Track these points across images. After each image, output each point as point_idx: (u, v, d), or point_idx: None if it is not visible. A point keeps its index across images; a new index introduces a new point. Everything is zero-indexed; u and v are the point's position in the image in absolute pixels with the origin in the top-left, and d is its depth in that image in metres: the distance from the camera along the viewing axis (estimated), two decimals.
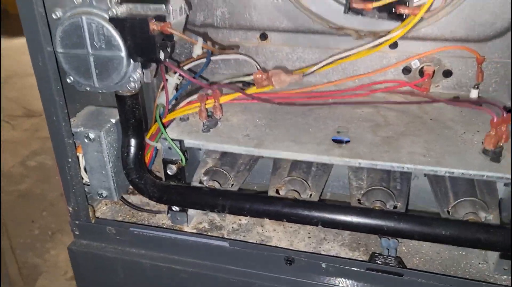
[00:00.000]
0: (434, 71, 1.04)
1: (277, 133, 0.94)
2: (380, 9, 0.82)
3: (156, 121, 1.03)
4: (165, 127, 0.96)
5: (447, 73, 1.07)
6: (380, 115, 1.00)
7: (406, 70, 1.08)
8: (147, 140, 0.98)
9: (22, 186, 3.25)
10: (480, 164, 0.82)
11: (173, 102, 1.05)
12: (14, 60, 5.18)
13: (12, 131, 3.96)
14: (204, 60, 1.04)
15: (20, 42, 5.33)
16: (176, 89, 1.05)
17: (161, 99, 1.04)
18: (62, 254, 2.67)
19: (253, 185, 1.16)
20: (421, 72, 1.07)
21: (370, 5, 0.80)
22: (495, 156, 0.82)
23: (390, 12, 0.82)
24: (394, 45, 1.06)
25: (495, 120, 0.82)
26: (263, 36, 1.14)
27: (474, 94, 1.02)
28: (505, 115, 0.83)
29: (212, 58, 1.04)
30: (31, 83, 4.76)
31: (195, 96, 1.02)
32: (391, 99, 1.05)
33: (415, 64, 1.06)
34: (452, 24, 0.97)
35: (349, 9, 0.83)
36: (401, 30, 0.86)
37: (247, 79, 1.05)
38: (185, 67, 1.03)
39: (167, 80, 1.01)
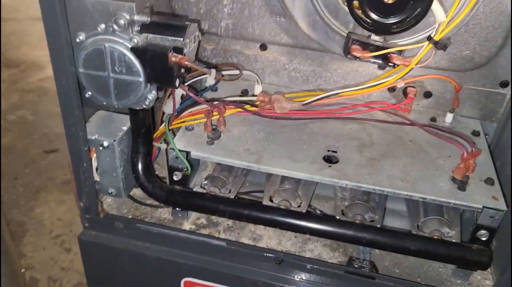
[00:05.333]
0: (416, 93, 1.16)
1: (275, 148, 1.05)
2: (376, 56, 0.91)
3: (161, 124, 1.12)
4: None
5: (428, 94, 1.19)
6: (365, 133, 1.12)
7: (391, 89, 1.19)
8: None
9: (3, 141, 3.27)
10: (448, 192, 0.96)
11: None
12: None
13: None
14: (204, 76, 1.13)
15: None
16: (181, 98, 1.13)
17: (167, 106, 1.12)
18: (46, 213, 2.76)
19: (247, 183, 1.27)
20: (405, 91, 1.18)
21: (368, 55, 0.90)
22: (462, 185, 0.96)
23: (384, 59, 0.92)
24: (382, 67, 1.16)
25: (465, 155, 0.95)
26: (263, 47, 1.22)
27: (449, 118, 1.15)
28: (473, 150, 0.96)
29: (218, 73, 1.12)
30: (8, 30, 4.62)
31: (196, 107, 1.11)
32: (376, 116, 1.17)
33: (400, 85, 1.16)
34: (437, 56, 1.08)
35: (348, 53, 0.93)
36: (394, 75, 0.96)
37: (249, 98, 1.14)
38: (188, 82, 1.11)
39: (175, 90, 1.09)
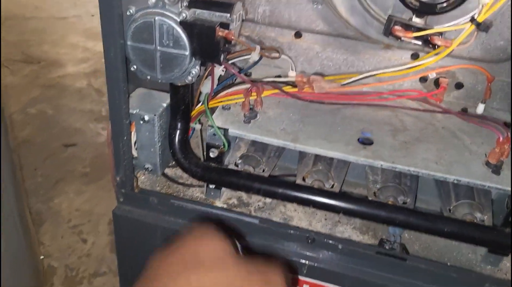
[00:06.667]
0: (448, 83, 1.18)
1: (310, 129, 1.07)
2: (417, 38, 0.94)
3: (197, 105, 1.15)
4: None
5: (459, 85, 1.21)
6: (398, 119, 1.14)
7: (423, 79, 1.21)
8: None
9: (23, 133, 3.32)
10: (483, 175, 0.97)
11: None
12: (11, 1, 5.08)
13: (11, 77, 3.96)
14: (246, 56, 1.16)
15: None
16: (219, 79, 1.16)
17: (205, 86, 1.15)
18: (65, 203, 2.80)
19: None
20: (436, 82, 1.20)
21: (410, 35, 0.92)
22: (496, 169, 0.98)
23: (425, 41, 0.94)
24: (415, 56, 1.19)
25: (501, 140, 0.96)
26: (298, 34, 1.25)
27: (480, 108, 1.16)
28: (509, 135, 0.97)
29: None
30: (30, 27, 4.71)
31: (233, 88, 1.14)
32: (408, 104, 1.19)
33: (432, 75, 1.18)
34: (471, 46, 1.10)
35: (390, 34, 0.95)
36: (433, 58, 0.99)
37: (286, 79, 1.17)
38: (230, 61, 1.14)
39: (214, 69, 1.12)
